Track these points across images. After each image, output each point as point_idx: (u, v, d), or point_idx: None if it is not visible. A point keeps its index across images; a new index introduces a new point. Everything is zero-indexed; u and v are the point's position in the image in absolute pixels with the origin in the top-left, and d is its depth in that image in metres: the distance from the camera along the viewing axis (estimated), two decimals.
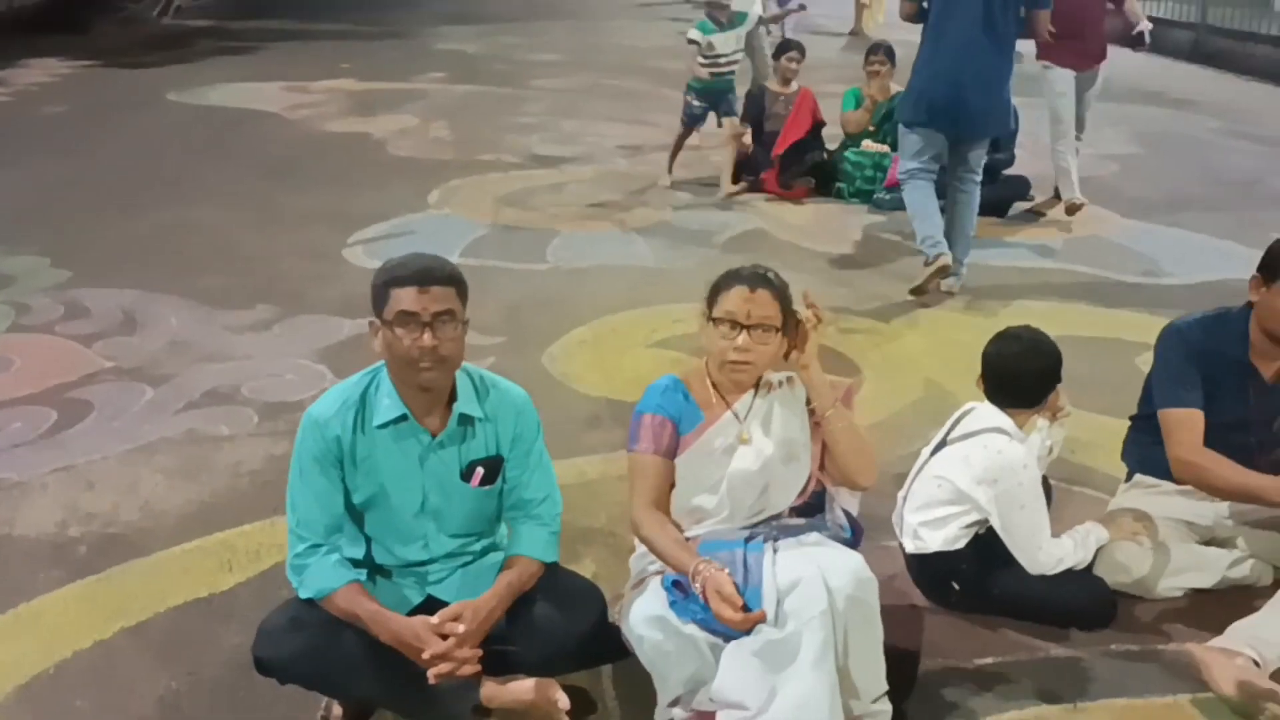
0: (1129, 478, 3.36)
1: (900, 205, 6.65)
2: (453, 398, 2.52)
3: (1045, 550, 2.90)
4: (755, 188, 7.25)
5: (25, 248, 5.69)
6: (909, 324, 5.09)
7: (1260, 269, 3.01)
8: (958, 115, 5.26)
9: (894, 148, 7.31)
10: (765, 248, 6.13)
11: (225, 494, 3.48)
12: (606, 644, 2.59)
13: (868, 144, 7.31)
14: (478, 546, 2.64)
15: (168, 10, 16.37)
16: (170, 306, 4.97)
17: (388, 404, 2.48)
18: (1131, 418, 3.37)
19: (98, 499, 3.42)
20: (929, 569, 3.01)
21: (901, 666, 2.71)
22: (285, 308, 5.00)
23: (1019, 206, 6.93)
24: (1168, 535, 3.12)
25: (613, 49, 14.47)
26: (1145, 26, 6.87)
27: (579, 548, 3.17)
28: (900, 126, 5.58)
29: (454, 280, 2.44)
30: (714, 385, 2.70)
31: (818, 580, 2.37)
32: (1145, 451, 3.25)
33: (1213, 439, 3.03)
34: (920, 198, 5.44)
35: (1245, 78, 12.59)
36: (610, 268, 5.77)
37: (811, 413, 2.69)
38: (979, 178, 5.54)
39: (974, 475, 2.91)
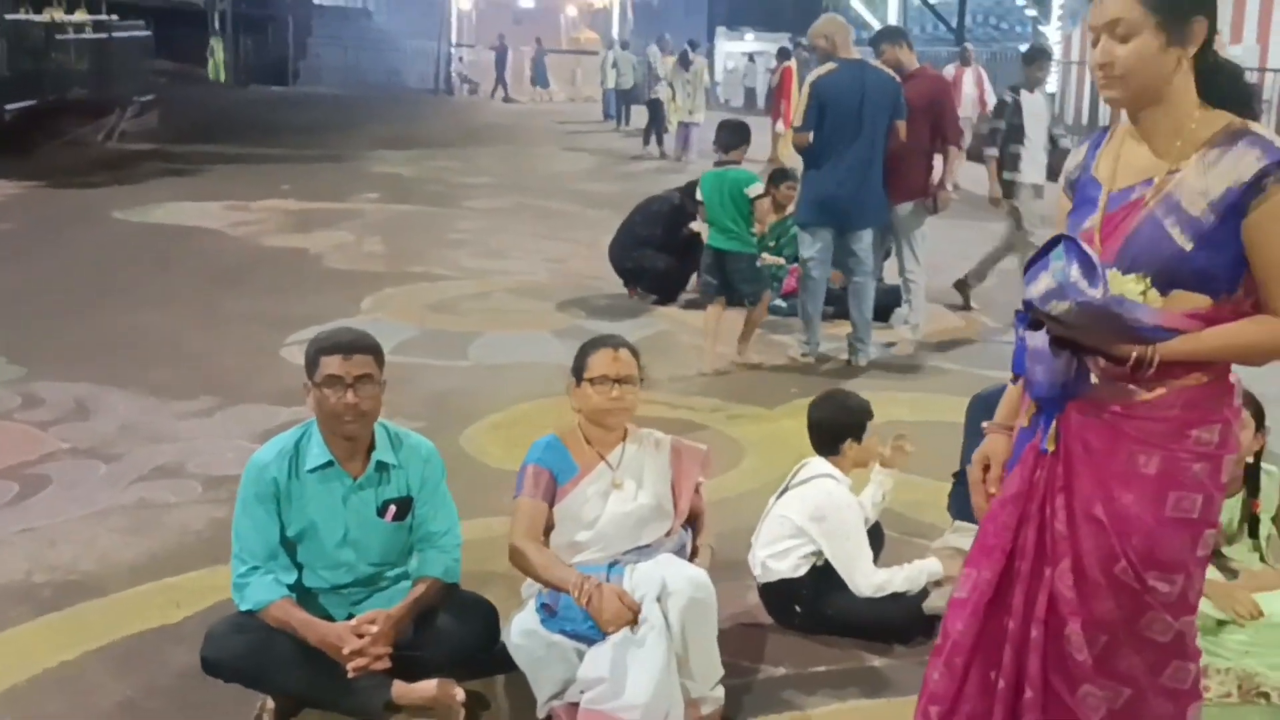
0: (953, 525, 3.99)
1: (794, 312, 7.44)
2: (371, 447, 3.09)
3: (866, 576, 3.50)
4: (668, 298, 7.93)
5: None
6: (789, 411, 5.72)
7: None
8: (849, 210, 6.36)
9: (791, 260, 8.11)
10: (668, 346, 6.80)
11: (173, 548, 3.97)
12: (497, 656, 3.14)
13: (766, 256, 8.03)
14: (392, 574, 3.18)
15: (112, 134, 16.99)
16: (120, 397, 5.47)
17: (317, 452, 3.05)
18: (954, 474, 4.02)
19: (59, 553, 3.89)
20: (775, 595, 3.59)
21: (748, 673, 3.29)
22: (226, 398, 5.52)
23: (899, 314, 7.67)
24: None
25: (540, 173, 15.34)
26: (945, 192, 6.73)
27: (484, 589, 3.69)
28: (800, 229, 6.54)
29: (373, 350, 3.05)
30: (588, 441, 3.29)
31: (661, 589, 2.94)
32: (962, 502, 3.88)
33: None
34: (817, 301, 6.58)
35: None
36: (526, 364, 6.38)
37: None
38: (869, 268, 6.58)
39: (808, 513, 3.53)
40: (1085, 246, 2.13)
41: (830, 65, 6.31)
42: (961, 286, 8.12)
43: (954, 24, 24.75)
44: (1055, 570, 2.28)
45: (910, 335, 6.91)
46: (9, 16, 18.62)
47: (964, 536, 3.85)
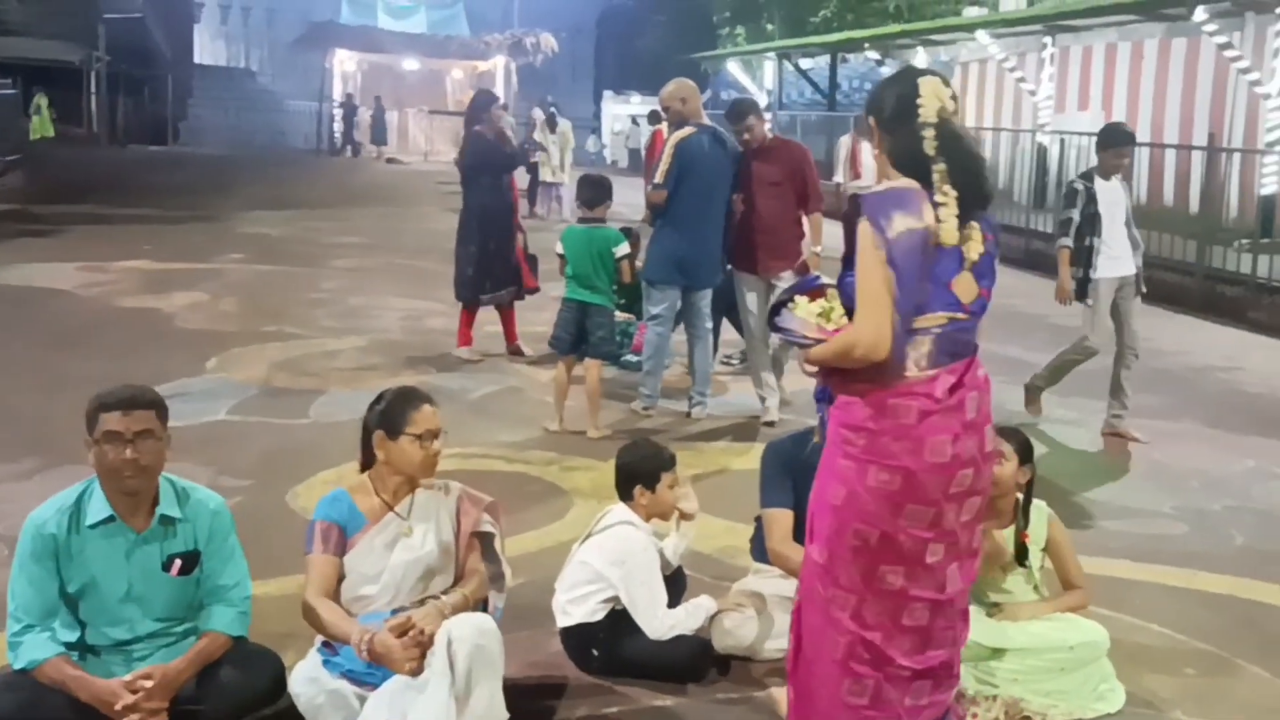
0: (754, 568, 4.14)
1: (638, 367, 7.60)
2: (156, 501, 3.12)
3: (659, 619, 3.61)
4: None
5: None
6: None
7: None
8: (696, 270, 6.58)
9: (639, 316, 8.30)
10: (516, 402, 6.90)
11: None
12: (284, 709, 3.16)
13: (617, 314, 8.18)
14: (179, 629, 3.18)
15: None
16: None
17: (98, 507, 3.06)
18: (755, 518, 4.17)
19: None
20: (574, 639, 3.68)
21: (544, 716, 3.37)
22: (52, 459, 5.42)
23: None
24: (774, 607, 3.87)
25: (412, 232, 15.36)
26: (815, 255, 6.66)
27: (287, 643, 3.70)
28: (648, 286, 6.67)
29: (154, 405, 3.08)
30: (377, 492, 3.36)
31: (443, 634, 3.01)
32: (761, 545, 4.04)
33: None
34: (660, 355, 6.77)
35: None
36: None
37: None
38: (709, 324, 6.88)
39: (607, 558, 3.64)
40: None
41: (689, 129, 6.51)
42: (1031, 391, 7.02)
43: (826, 89, 25.66)
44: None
45: (773, 403, 6.75)
46: None
47: (763, 579, 4.00)
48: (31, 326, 8.46)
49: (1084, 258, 6.49)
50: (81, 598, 3.06)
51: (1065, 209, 6.69)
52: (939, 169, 2.67)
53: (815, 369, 2.78)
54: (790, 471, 3.88)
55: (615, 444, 6.06)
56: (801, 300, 2.77)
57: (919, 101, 2.68)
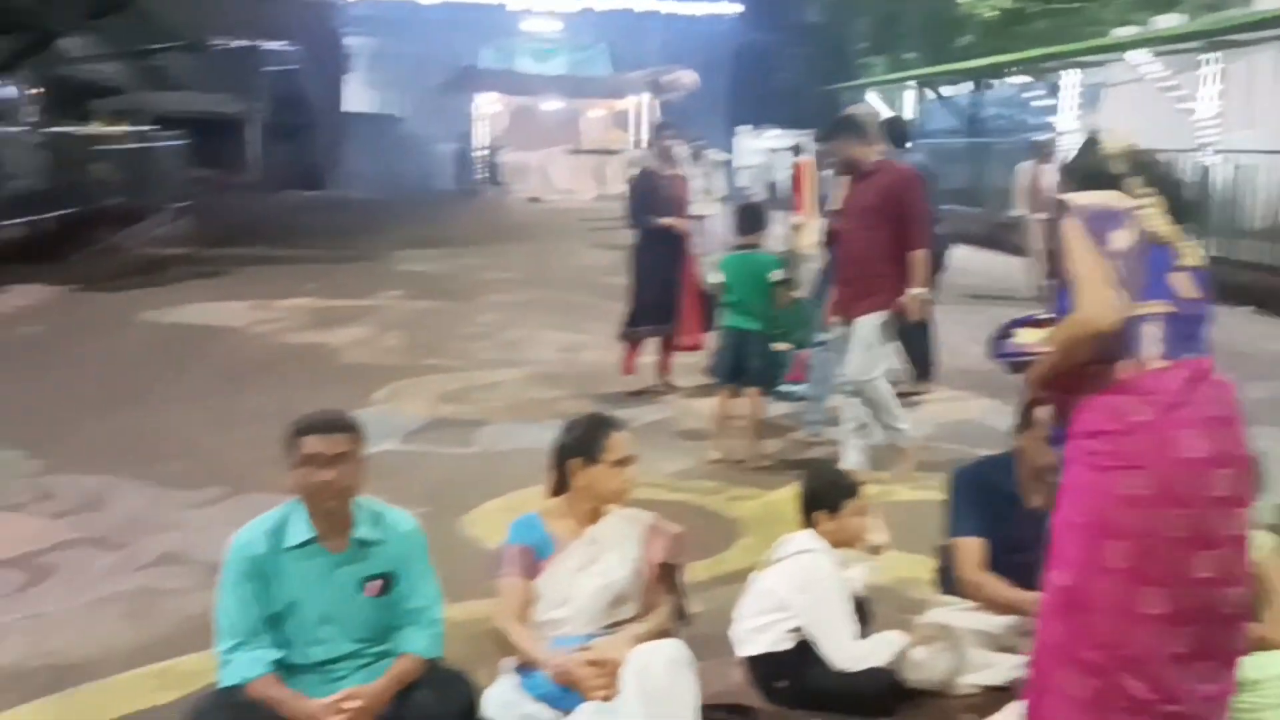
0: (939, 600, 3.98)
1: (798, 397, 7.48)
2: (353, 524, 3.17)
3: (846, 649, 3.50)
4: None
5: (3, 444, 6.31)
6: (790, 491, 5.76)
7: (1019, 420, 3.76)
8: None
9: (797, 346, 8.19)
10: (675, 433, 6.87)
11: (169, 633, 4.03)
12: None
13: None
14: (375, 650, 3.22)
15: (146, 240, 17.46)
16: (132, 489, 5.58)
17: (298, 529, 3.13)
18: (939, 549, 4.03)
19: (57, 639, 3.97)
20: (760, 668, 3.59)
21: None
22: (234, 487, 5.62)
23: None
24: (965, 641, 3.72)
25: (562, 267, 15.60)
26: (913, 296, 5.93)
27: (475, 670, 3.71)
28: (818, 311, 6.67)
29: (351, 428, 3.15)
30: (569, 517, 3.36)
31: (636, 661, 2.98)
32: (947, 575, 3.89)
33: (1001, 561, 3.69)
34: (826, 382, 6.57)
35: None
36: (530, 450, 6.40)
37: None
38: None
39: (791, 585, 3.55)
40: None
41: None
42: None
43: (968, 117, 25.16)
44: None
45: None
46: (51, 129, 19.39)
47: (951, 611, 3.85)
48: (207, 362, 8.84)
49: None
50: (284, 618, 3.12)
51: None
52: (1133, 179, 2.70)
53: (1045, 391, 2.71)
54: (981, 497, 3.75)
55: (776, 474, 6.04)
56: (1023, 331, 2.81)
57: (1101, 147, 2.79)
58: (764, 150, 32.81)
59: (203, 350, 9.37)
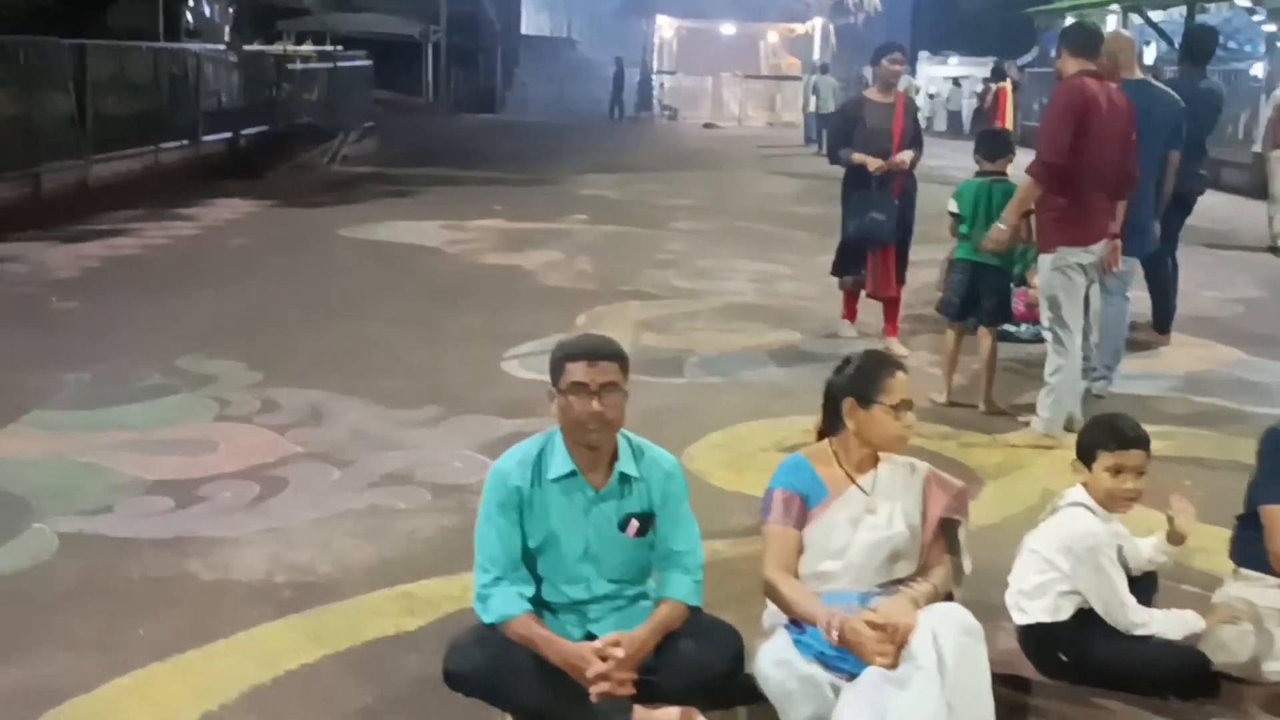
0: (1236, 574, 3.58)
1: (1031, 338, 6.98)
2: (614, 458, 2.98)
3: (1126, 608, 3.15)
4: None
5: (224, 353, 6.41)
6: (1025, 438, 5.37)
7: None
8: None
9: (1018, 283, 7.68)
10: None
11: (404, 555, 3.97)
12: (741, 686, 2.96)
13: None
14: (631, 592, 3.04)
15: (335, 158, 17.83)
16: (350, 405, 5.58)
17: (560, 461, 2.95)
18: (1238, 517, 3.61)
19: (297, 555, 3.94)
20: (1035, 639, 3.29)
21: None
22: (450, 408, 5.56)
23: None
24: (1271, 622, 3.33)
25: (742, 196, 15.25)
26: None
27: (717, 614, 3.53)
28: None
29: (618, 357, 2.94)
30: (839, 462, 3.09)
31: (926, 628, 2.71)
32: (1250, 547, 3.46)
33: None
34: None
35: None
36: (742, 383, 6.23)
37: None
38: (1128, 291, 6.17)
39: (1055, 544, 3.23)
40: None
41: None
42: None
43: (1178, 42, 23.42)
44: None
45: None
46: (246, 49, 19.91)
47: (1250, 586, 3.46)
48: (411, 281, 8.86)
49: None
50: (541, 553, 2.97)
51: None
52: None
53: None
54: None
55: (1009, 419, 5.65)
56: None
57: None
58: (944, 79, 31.52)
59: (404, 267, 9.42)
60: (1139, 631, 3.19)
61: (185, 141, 15.47)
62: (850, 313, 7.37)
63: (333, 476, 4.67)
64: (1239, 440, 5.39)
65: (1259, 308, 8.65)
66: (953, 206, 5.88)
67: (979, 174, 5.96)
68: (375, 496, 4.48)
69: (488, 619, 2.87)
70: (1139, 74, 6.05)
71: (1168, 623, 3.25)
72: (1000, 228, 5.35)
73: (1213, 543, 3.98)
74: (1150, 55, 23.65)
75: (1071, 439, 5.24)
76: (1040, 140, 5.29)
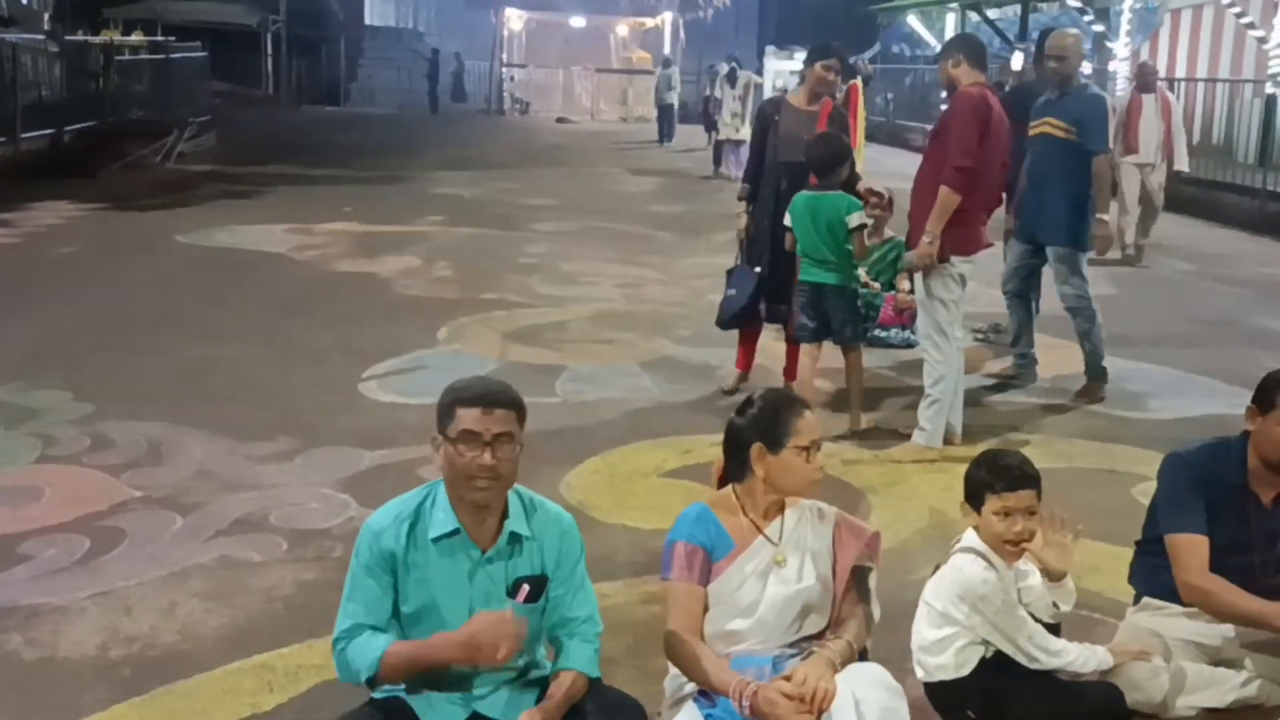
0: (1136, 600, 3.49)
1: (892, 344, 7.00)
2: (504, 516, 2.67)
3: (1034, 638, 2.97)
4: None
5: (47, 383, 5.82)
6: (909, 452, 5.27)
7: (1255, 400, 3.22)
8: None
9: (887, 288, 7.63)
10: (763, 382, 6.33)
11: (260, 618, 3.57)
12: None
13: (864, 275, 7.39)
14: (521, 663, 2.74)
15: (170, 155, 16.85)
16: (194, 438, 5.10)
17: (442, 518, 2.63)
18: (1137, 542, 3.52)
19: (136, 623, 3.50)
20: (941, 697, 3.05)
21: None
22: (305, 439, 5.14)
23: None
24: (1180, 655, 3.24)
25: (601, 193, 15.01)
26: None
27: (606, 670, 3.25)
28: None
29: (515, 405, 2.62)
30: (744, 511, 2.85)
31: (846, 692, 2.51)
32: (1153, 575, 3.38)
33: (1215, 562, 3.19)
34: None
35: (1213, 224, 13.19)
36: (617, 400, 5.97)
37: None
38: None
39: (948, 595, 2.99)
40: None
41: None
42: None
43: (1013, 39, 24.17)
44: None
45: None
46: (68, 38, 18.66)
47: (1156, 616, 3.37)
48: (255, 292, 8.30)
49: None
50: (417, 622, 2.63)
51: None
52: None
53: None
54: (1203, 489, 3.24)
55: (889, 436, 5.52)
56: None
57: None
58: (789, 73, 31.90)
59: (248, 277, 8.83)
60: (1054, 662, 3.02)
61: (2, 139, 14.36)
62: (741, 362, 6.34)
63: (175, 525, 4.21)
64: (1110, 447, 5.42)
65: (1111, 305, 8.82)
66: (787, 220, 5.53)
67: (809, 187, 5.50)
68: (225, 547, 4.05)
69: (359, 677, 2.54)
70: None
71: (1080, 653, 3.10)
72: (926, 242, 5.17)
73: (1103, 560, 3.92)
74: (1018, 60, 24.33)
75: (952, 450, 5.32)
76: (950, 147, 5.13)
